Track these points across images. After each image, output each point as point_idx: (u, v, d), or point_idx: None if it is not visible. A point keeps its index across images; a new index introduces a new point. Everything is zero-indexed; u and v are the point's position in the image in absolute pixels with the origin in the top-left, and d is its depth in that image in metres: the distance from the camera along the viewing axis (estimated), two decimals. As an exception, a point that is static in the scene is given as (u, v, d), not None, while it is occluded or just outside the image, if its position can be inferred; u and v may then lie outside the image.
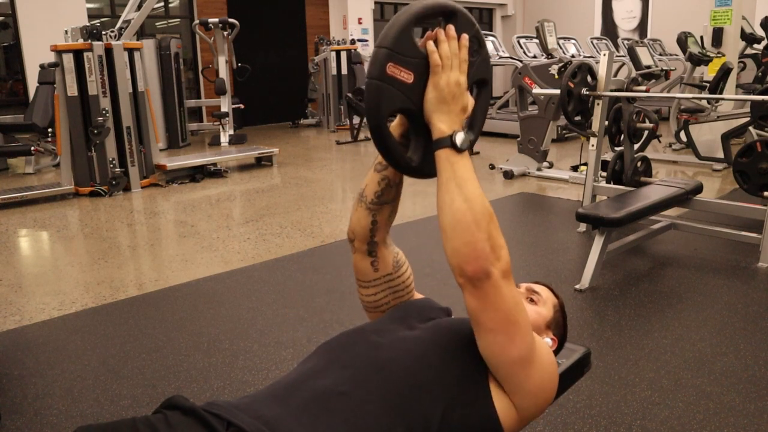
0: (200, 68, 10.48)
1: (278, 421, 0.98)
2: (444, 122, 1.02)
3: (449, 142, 1.01)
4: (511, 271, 1.02)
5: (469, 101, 1.07)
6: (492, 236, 0.99)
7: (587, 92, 4.10)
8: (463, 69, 1.04)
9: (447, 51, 1.03)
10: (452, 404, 1.06)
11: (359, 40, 11.13)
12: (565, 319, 1.36)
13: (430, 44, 1.03)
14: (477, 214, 0.99)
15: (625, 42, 10.63)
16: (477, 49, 1.08)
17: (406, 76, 1.00)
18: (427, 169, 1.07)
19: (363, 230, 1.23)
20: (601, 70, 4.07)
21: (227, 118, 8.53)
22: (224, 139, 8.40)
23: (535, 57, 9.20)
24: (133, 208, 5.30)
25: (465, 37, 1.05)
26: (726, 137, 5.75)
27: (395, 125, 1.12)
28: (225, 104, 8.61)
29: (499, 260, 0.99)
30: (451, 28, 1.04)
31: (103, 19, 9.45)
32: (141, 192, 5.88)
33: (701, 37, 7.88)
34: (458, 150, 1.01)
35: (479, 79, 1.11)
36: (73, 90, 5.61)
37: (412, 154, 1.07)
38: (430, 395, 1.04)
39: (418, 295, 1.35)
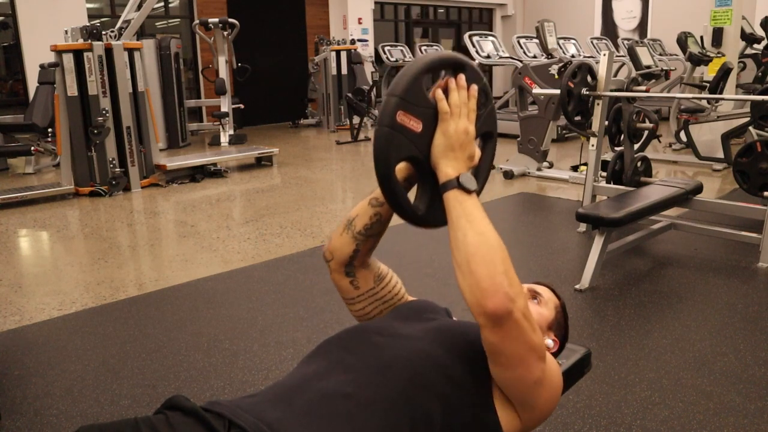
0: (200, 68, 10.48)
1: (282, 423, 0.98)
2: (450, 167, 1.02)
3: (456, 183, 1.01)
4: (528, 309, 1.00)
5: (476, 151, 1.07)
6: (508, 272, 0.96)
7: (587, 92, 4.10)
8: (472, 118, 1.04)
9: (456, 99, 1.03)
10: (454, 406, 1.06)
11: (359, 40, 11.13)
12: (566, 320, 1.36)
13: (439, 92, 1.03)
14: (492, 247, 0.97)
15: (625, 42, 10.64)
16: (484, 102, 1.09)
17: (415, 125, 1.01)
18: (432, 218, 1.07)
19: (343, 255, 1.24)
20: (601, 70, 4.07)
21: (227, 118, 8.53)
22: (224, 139, 8.40)
23: (535, 57, 9.19)
24: (133, 208, 5.30)
25: (474, 87, 1.05)
26: (726, 137, 5.75)
27: (399, 169, 1.11)
28: (225, 104, 8.62)
29: (518, 297, 0.96)
30: (461, 77, 1.05)
31: (103, 19, 9.45)
32: (141, 192, 5.87)
33: (701, 37, 7.88)
34: (466, 190, 1.01)
35: (485, 131, 1.12)
36: (73, 90, 5.61)
37: (418, 202, 1.07)
38: (433, 395, 1.04)
39: (411, 298, 1.35)
